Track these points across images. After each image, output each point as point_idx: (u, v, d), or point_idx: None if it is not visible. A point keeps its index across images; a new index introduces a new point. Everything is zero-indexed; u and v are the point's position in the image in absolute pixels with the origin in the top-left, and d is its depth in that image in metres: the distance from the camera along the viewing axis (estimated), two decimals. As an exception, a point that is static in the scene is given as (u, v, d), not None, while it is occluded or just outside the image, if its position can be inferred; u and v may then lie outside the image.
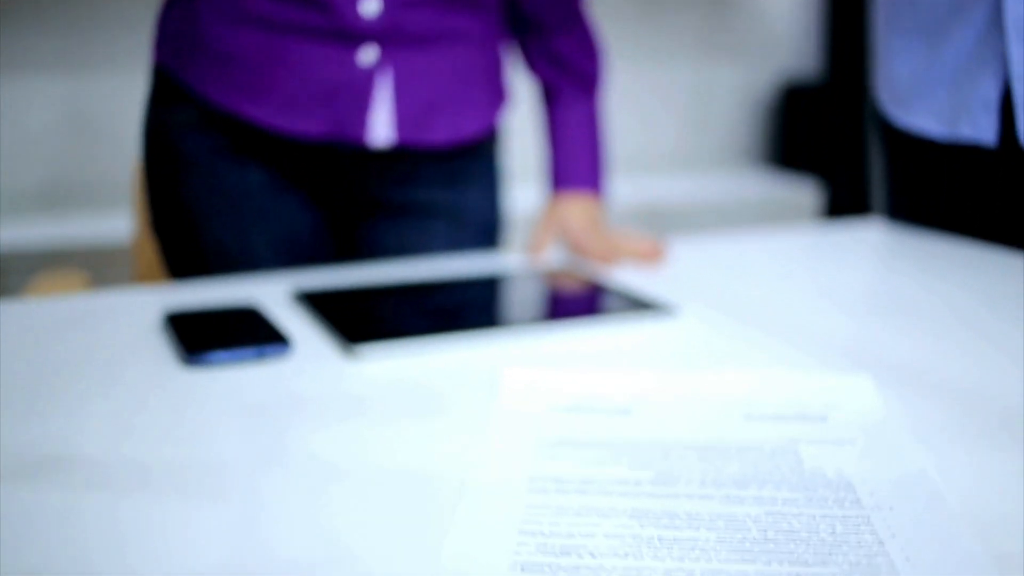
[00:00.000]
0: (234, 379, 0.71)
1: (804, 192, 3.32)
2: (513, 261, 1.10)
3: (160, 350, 0.77)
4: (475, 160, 1.18)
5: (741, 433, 0.61)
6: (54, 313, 0.87)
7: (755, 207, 3.21)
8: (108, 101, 2.75)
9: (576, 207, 1.13)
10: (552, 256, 1.12)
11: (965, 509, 0.52)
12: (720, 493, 0.53)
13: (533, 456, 0.58)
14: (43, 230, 2.56)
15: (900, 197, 1.24)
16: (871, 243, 1.18)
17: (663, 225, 3.01)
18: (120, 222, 2.57)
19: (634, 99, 3.41)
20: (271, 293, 0.94)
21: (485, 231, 1.18)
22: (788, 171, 3.56)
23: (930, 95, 1.13)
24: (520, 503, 0.52)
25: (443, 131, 1.11)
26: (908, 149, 1.19)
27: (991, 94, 1.07)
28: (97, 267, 2.40)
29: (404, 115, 1.07)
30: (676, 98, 3.53)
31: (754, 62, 3.61)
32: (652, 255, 1.07)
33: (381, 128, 1.07)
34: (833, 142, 3.46)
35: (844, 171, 3.44)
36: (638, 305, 0.87)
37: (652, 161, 3.50)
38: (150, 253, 1.34)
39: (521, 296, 0.94)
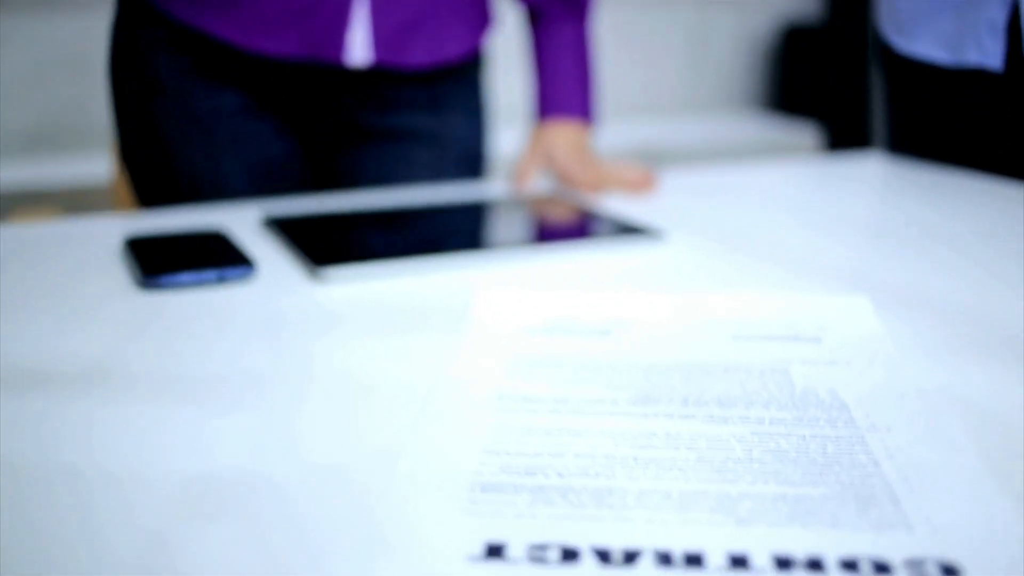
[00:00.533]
0: (193, 301, 0.66)
1: (804, 135, 3.26)
2: (496, 189, 1.06)
3: (119, 274, 0.73)
4: (458, 85, 1.13)
5: (728, 354, 0.57)
6: (16, 238, 0.82)
7: (754, 150, 3.16)
8: (103, 42, 2.68)
9: (563, 134, 1.08)
10: (538, 186, 1.07)
11: (967, 429, 0.47)
12: (703, 413, 0.49)
13: (503, 375, 0.53)
14: (32, 171, 2.51)
15: (902, 128, 1.19)
16: (871, 174, 1.13)
17: (660, 169, 2.95)
18: (109, 164, 2.52)
19: (633, 41, 3.35)
20: (241, 220, 0.90)
21: (468, 159, 1.13)
22: (788, 115, 3.50)
23: (934, 20, 1.09)
24: (485, 422, 0.48)
25: (423, 52, 1.05)
26: (911, 78, 1.15)
27: (998, 17, 1.02)
28: (84, 208, 2.35)
29: (382, 33, 1.02)
30: (675, 40, 3.46)
31: (754, 4, 3.53)
32: (642, 184, 1.03)
33: (359, 48, 1.01)
34: (834, 85, 3.40)
35: (844, 115, 3.38)
36: (625, 230, 0.83)
37: (650, 104, 3.44)
38: (126, 193, 1.30)
39: (502, 221, 0.89)
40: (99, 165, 2.51)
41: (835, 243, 0.82)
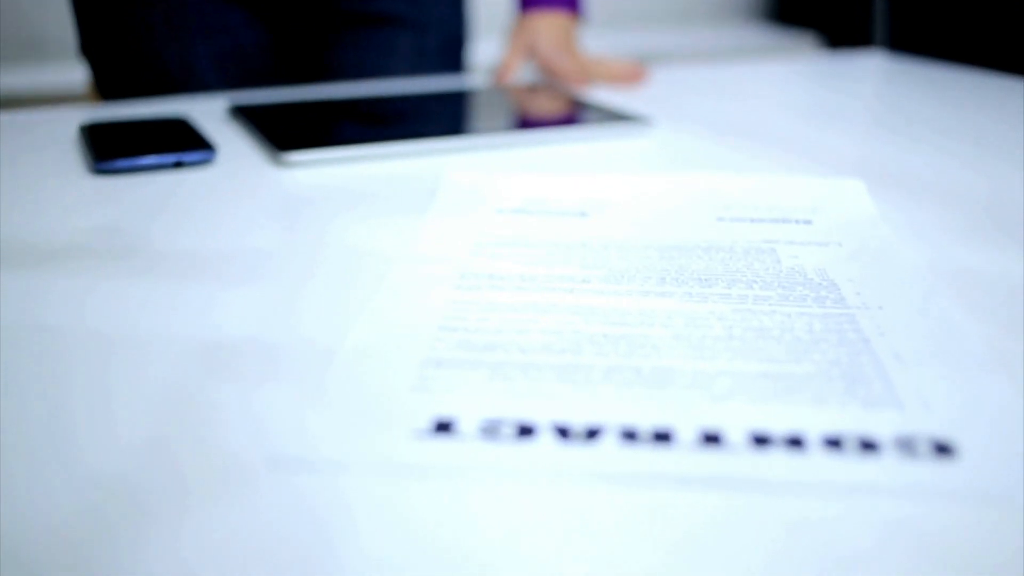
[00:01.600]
0: (149, 184, 0.62)
1: (803, 43, 3.19)
2: (477, 80, 1.01)
3: (75, 160, 0.69)
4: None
5: (712, 234, 0.53)
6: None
7: (751, 57, 3.08)
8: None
9: (547, 25, 1.02)
10: (521, 78, 1.02)
11: (964, 307, 0.44)
12: (681, 291, 0.45)
13: (468, 253, 0.50)
14: (12, 78, 2.45)
15: (901, 25, 1.14)
16: (871, 70, 1.08)
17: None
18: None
19: (628, -52, 3.25)
20: (207, 110, 0.85)
21: (450, 46, 1.08)
22: (786, 26, 3.42)
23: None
24: (444, 298, 0.44)
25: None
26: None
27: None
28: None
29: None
30: (672, -53, 3.36)
31: (755, -91, 3.43)
32: (631, 77, 0.98)
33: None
34: (835, -5, 3.31)
35: (845, 25, 3.29)
36: (611, 116, 0.78)
37: (645, 13, 3.35)
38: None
39: (480, 109, 0.85)
40: (76, 73, 2.45)
41: (832, 132, 0.78)
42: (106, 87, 1.02)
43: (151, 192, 0.60)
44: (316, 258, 0.50)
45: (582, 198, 0.58)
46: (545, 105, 0.86)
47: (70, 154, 0.69)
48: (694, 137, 0.76)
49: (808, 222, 0.55)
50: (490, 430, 0.33)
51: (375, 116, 0.80)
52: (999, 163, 0.68)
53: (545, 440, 0.33)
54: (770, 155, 0.70)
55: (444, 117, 0.82)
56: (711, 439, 0.33)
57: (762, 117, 0.83)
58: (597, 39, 2.89)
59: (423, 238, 0.52)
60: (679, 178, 0.61)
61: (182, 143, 0.69)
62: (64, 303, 0.44)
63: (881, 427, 0.34)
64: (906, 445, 0.32)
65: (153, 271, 0.48)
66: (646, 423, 0.34)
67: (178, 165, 0.66)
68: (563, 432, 0.33)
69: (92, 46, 1.01)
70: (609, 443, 0.33)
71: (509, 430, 0.33)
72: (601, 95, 0.93)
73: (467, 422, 0.34)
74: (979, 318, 0.43)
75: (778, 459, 0.32)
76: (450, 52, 1.08)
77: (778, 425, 0.34)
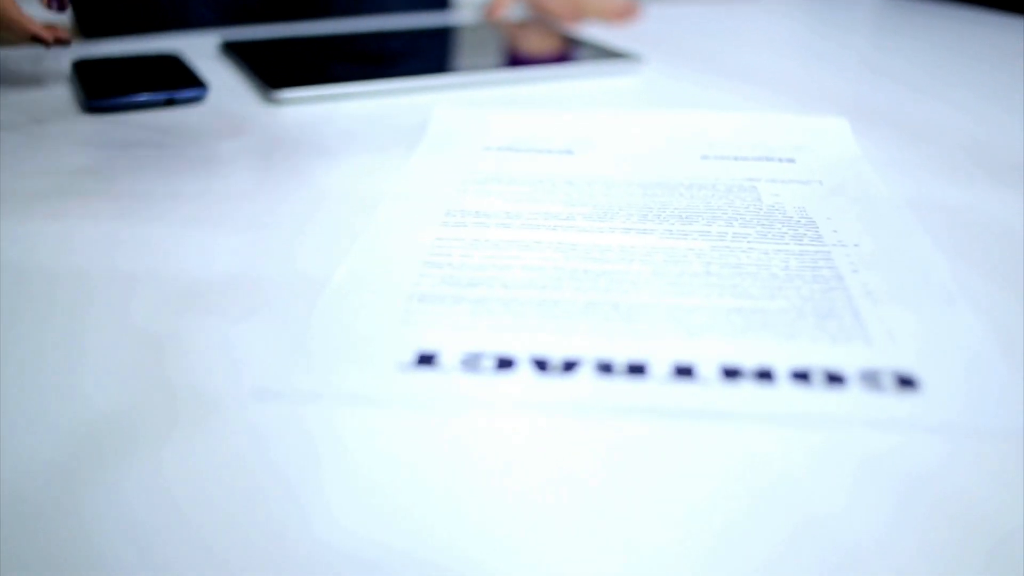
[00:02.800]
0: (141, 122, 0.63)
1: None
2: (467, 16, 1.01)
3: (65, 98, 0.69)
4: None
5: (696, 172, 0.54)
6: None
7: None
8: None
9: (540, -41, 1.02)
10: (512, 14, 1.02)
11: (942, 245, 0.45)
12: (662, 228, 0.46)
13: (454, 191, 0.51)
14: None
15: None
16: (867, 8, 1.08)
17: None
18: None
19: None
20: (199, 46, 0.85)
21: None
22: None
23: None
24: (430, 235, 0.45)
25: None
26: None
27: None
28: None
29: None
30: None
31: None
32: (625, 14, 0.98)
33: None
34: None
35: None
36: (601, 54, 0.79)
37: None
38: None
39: (470, 46, 0.85)
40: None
41: (823, 71, 0.78)
42: (94, 25, 1.01)
43: (142, 130, 0.61)
44: (305, 196, 0.50)
45: (569, 136, 0.59)
46: (535, 42, 0.86)
47: (61, 92, 0.70)
48: (684, 75, 0.76)
49: (791, 160, 0.56)
50: (471, 363, 0.34)
51: (366, 53, 0.80)
52: (987, 103, 0.69)
53: (524, 372, 0.34)
54: (759, 94, 0.71)
55: (435, 54, 0.82)
56: (684, 372, 0.34)
57: (754, 56, 0.83)
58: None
59: (411, 175, 0.53)
60: (665, 116, 0.61)
61: (174, 80, 0.69)
62: (53, 243, 0.45)
63: (848, 361, 0.35)
64: (871, 378, 0.34)
65: (142, 211, 0.48)
66: (621, 357, 0.35)
67: (170, 102, 0.67)
68: (541, 365, 0.34)
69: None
70: (585, 375, 0.34)
71: (489, 363, 0.34)
72: (593, 32, 0.93)
73: (449, 355, 0.35)
74: (953, 255, 0.44)
75: (748, 391, 0.33)
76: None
77: (749, 359, 0.35)
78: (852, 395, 0.33)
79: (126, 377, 0.34)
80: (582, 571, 0.25)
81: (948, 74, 0.77)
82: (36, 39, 0.64)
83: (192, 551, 0.26)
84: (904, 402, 0.32)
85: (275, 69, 0.72)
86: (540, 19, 0.98)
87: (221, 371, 0.34)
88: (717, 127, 0.60)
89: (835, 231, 0.46)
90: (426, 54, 0.81)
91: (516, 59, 0.80)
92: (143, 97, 0.66)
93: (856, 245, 0.44)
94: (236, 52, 0.78)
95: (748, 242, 0.45)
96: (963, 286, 0.41)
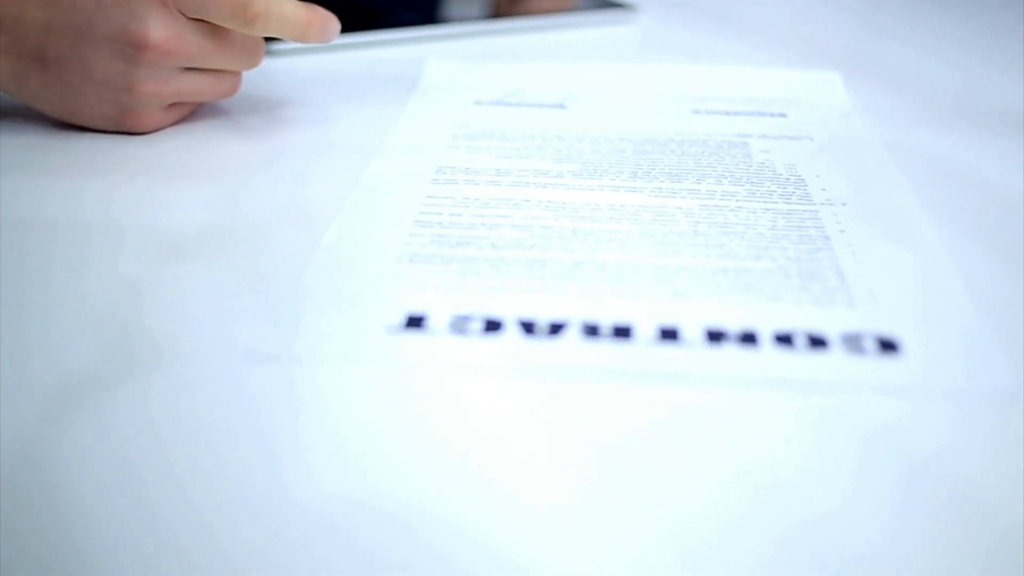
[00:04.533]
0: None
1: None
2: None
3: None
4: None
5: (687, 127, 0.54)
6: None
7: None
8: None
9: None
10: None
11: (931, 203, 0.45)
12: (651, 186, 0.46)
13: (445, 146, 0.51)
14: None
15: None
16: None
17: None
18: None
19: None
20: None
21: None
22: None
23: None
24: (420, 193, 0.45)
25: None
26: None
27: None
28: None
29: None
30: None
31: None
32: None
33: None
34: None
35: None
36: (596, 3, 0.78)
37: None
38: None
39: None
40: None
41: (820, 21, 0.78)
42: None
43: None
44: (299, 150, 0.51)
45: (561, 89, 0.59)
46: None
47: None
48: (679, 25, 0.76)
49: (783, 115, 0.56)
50: (459, 325, 0.35)
51: (360, 2, 0.79)
52: (987, 58, 0.69)
53: (511, 335, 0.34)
54: (755, 45, 0.70)
55: (427, 4, 0.81)
56: (669, 335, 0.34)
57: (751, 5, 0.83)
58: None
59: (402, 130, 0.53)
60: (658, 69, 0.61)
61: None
62: (49, 198, 0.45)
63: (831, 324, 0.35)
64: (853, 341, 0.34)
65: (131, 167, 0.49)
66: (607, 319, 0.35)
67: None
68: (528, 327, 0.35)
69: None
70: (571, 338, 0.34)
71: (477, 325, 0.35)
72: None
73: (438, 318, 0.35)
74: (939, 212, 0.44)
75: (731, 355, 0.33)
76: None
77: (734, 322, 0.35)
78: (834, 359, 0.33)
79: (112, 329, 0.34)
80: (565, 534, 0.26)
81: (952, 29, 0.77)
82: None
83: (174, 500, 0.26)
84: (885, 365, 0.33)
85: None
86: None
87: (211, 331, 0.35)
88: (709, 81, 0.60)
89: (824, 189, 0.46)
90: (419, 3, 0.81)
91: (510, 8, 0.80)
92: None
93: (844, 204, 0.45)
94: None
95: (737, 200, 0.45)
96: (946, 242, 0.41)
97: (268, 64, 0.63)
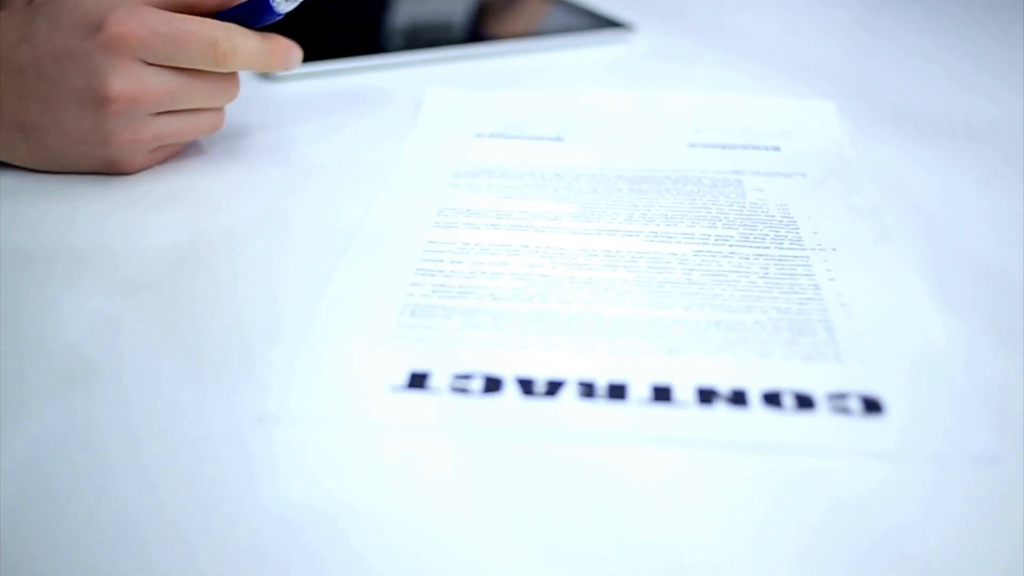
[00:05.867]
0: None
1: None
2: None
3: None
4: None
5: (682, 162, 0.55)
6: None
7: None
8: None
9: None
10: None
11: (918, 242, 0.47)
12: (647, 229, 0.48)
13: (447, 185, 0.52)
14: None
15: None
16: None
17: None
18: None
19: None
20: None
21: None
22: None
23: None
24: (422, 238, 0.47)
25: None
26: None
27: None
28: None
29: None
30: None
31: None
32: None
33: None
34: None
35: None
36: (593, 23, 0.79)
37: None
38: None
39: (463, 11, 0.85)
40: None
41: (818, 44, 0.79)
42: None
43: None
44: (302, 185, 0.52)
45: (559, 119, 0.60)
46: (526, 7, 0.86)
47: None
48: (676, 45, 0.77)
49: (776, 148, 0.57)
50: (460, 385, 0.36)
51: (363, 20, 0.81)
52: (982, 84, 0.70)
53: (510, 395, 0.36)
54: (751, 68, 0.71)
55: (426, 23, 0.83)
56: (661, 394, 0.36)
57: (749, 22, 0.84)
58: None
59: (405, 165, 0.54)
60: (654, 98, 0.62)
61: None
62: (57, 224, 0.46)
63: (818, 382, 0.37)
64: (838, 400, 0.36)
65: (133, 195, 0.50)
66: (603, 378, 0.37)
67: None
68: (527, 387, 0.36)
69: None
70: (568, 397, 0.36)
71: (478, 384, 0.36)
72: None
73: (439, 376, 0.37)
74: (929, 255, 0.45)
75: (722, 415, 0.35)
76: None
77: (724, 379, 0.37)
78: (820, 420, 0.35)
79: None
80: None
81: (953, 53, 0.78)
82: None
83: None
84: (867, 428, 0.34)
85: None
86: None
87: (219, 389, 0.36)
88: (705, 111, 0.61)
89: (815, 232, 0.48)
90: (419, 21, 0.82)
91: (508, 26, 0.81)
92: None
93: (834, 249, 0.46)
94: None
95: (730, 246, 0.46)
96: (935, 291, 0.42)
97: (278, 89, 0.64)
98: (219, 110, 0.53)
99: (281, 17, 0.50)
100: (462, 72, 0.70)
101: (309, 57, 0.69)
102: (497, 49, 0.74)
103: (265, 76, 0.68)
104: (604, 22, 0.79)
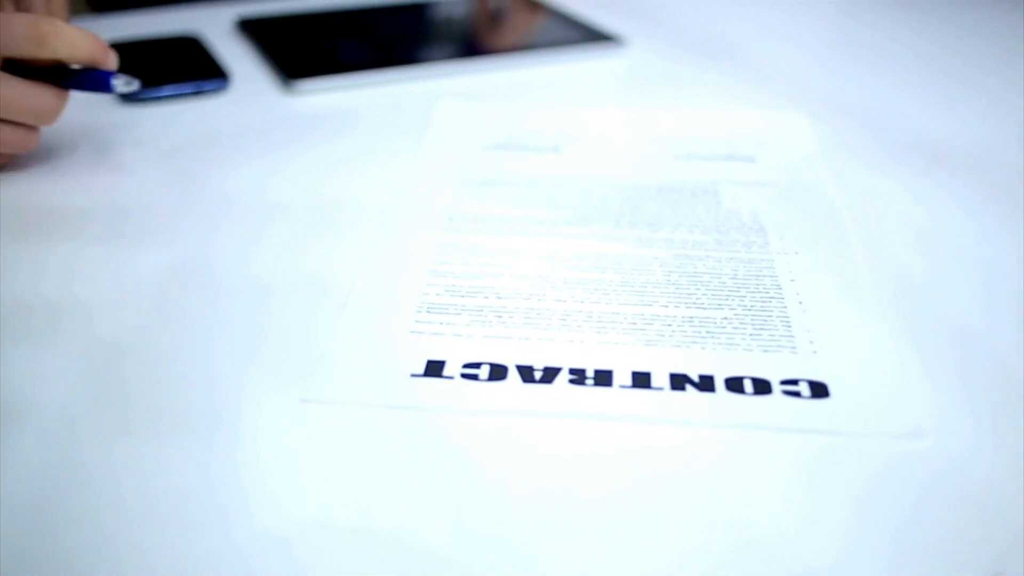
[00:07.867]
0: (170, 115, 0.70)
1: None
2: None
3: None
4: None
5: (668, 173, 0.62)
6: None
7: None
8: None
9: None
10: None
11: (872, 249, 0.53)
12: (633, 235, 0.54)
13: (455, 194, 0.58)
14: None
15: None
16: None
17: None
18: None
19: None
20: (213, 23, 0.91)
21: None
22: None
23: None
24: (434, 241, 0.53)
25: None
26: None
27: None
28: None
29: None
30: None
31: None
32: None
33: None
34: None
35: None
36: (586, 37, 0.85)
37: None
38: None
39: (465, 27, 0.92)
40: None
41: (802, 56, 0.85)
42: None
43: (172, 124, 0.68)
44: (322, 197, 0.58)
45: (557, 132, 0.67)
46: (524, 20, 0.93)
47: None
48: (666, 59, 0.83)
49: (751, 159, 0.63)
50: (470, 372, 0.43)
51: (374, 33, 0.87)
52: (958, 98, 0.76)
53: (512, 381, 0.42)
54: (734, 82, 0.78)
55: (437, 38, 0.89)
56: (640, 380, 0.42)
57: (736, 35, 0.90)
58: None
59: (418, 177, 0.60)
60: (643, 113, 0.69)
61: (197, 70, 0.76)
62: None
63: (774, 370, 0.43)
64: (790, 385, 0.42)
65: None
66: (591, 365, 0.43)
67: (196, 93, 0.74)
68: (526, 374, 0.43)
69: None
70: (562, 383, 0.42)
71: (485, 372, 0.43)
72: (579, 6, 0.99)
73: (452, 365, 0.43)
74: (882, 259, 0.52)
75: (692, 398, 0.41)
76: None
77: (695, 368, 0.43)
78: (775, 402, 0.41)
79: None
80: (544, 550, 0.34)
81: (931, 66, 0.84)
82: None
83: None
84: (815, 408, 0.41)
85: (292, 55, 0.79)
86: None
87: (257, 375, 0.42)
88: (688, 124, 0.67)
89: (781, 238, 0.54)
90: (430, 37, 0.88)
91: (509, 41, 0.87)
92: (172, 90, 0.73)
93: (796, 253, 0.52)
94: (252, 33, 0.85)
95: (705, 250, 0.53)
96: (884, 291, 0.49)
97: (298, 102, 0.70)
98: (34, 129, 0.57)
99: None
100: (460, 86, 0.76)
101: (326, 70, 0.75)
102: (493, 64, 0.80)
103: (289, 90, 0.74)
104: (597, 36, 0.85)
